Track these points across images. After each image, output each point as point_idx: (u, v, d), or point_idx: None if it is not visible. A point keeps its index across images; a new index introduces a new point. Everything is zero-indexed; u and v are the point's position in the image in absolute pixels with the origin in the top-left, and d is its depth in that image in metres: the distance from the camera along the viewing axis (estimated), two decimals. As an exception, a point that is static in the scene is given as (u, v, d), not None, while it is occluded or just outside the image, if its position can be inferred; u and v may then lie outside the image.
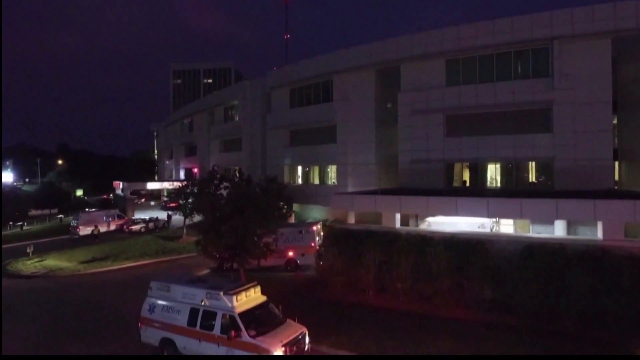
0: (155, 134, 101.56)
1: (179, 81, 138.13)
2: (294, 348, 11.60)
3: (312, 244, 23.10)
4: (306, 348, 12.24)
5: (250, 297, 12.70)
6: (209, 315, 12.16)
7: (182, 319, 12.63)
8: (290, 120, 37.78)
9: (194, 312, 12.46)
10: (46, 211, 60.21)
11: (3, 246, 32.05)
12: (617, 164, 27.65)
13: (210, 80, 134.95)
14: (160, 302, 13.26)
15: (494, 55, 26.92)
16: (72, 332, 15.74)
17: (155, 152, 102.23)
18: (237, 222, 17.22)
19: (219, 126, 52.37)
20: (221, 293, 12.18)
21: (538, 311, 14.76)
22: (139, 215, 47.23)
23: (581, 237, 16.92)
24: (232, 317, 11.74)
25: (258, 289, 13.26)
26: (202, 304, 12.41)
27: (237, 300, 12.09)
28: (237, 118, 48.76)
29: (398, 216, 22.74)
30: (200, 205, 19.70)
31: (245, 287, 12.82)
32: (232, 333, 11.44)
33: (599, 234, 16.80)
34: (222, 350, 11.71)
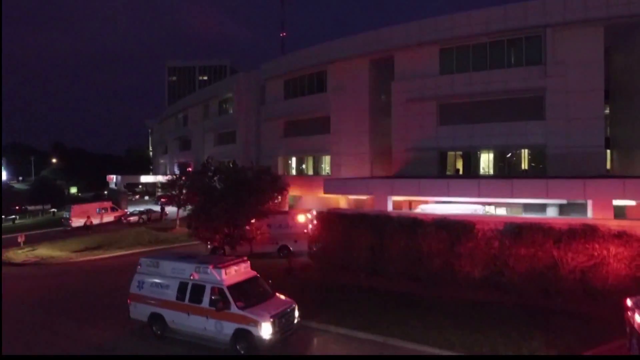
0: (150, 131, 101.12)
1: (174, 78, 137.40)
2: (283, 320, 11.57)
3: (305, 231, 23.05)
4: (295, 322, 12.23)
5: (240, 272, 12.68)
6: (198, 289, 12.12)
7: (171, 294, 12.58)
8: (285, 111, 37.72)
9: (182, 286, 12.41)
10: (39, 206, 60.12)
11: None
12: (609, 152, 27.83)
13: (205, 78, 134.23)
14: (149, 277, 13.20)
15: (487, 44, 26.99)
16: (62, 312, 15.70)
17: (150, 149, 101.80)
18: (229, 203, 17.16)
19: (213, 119, 52.21)
20: (210, 267, 12.14)
21: (528, 289, 14.86)
22: (133, 208, 47.04)
23: (571, 218, 16.98)
24: (220, 290, 11.71)
25: (247, 264, 13.24)
26: (191, 278, 12.35)
27: (225, 274, 12.07)
28: (231, 111, 48.64)
29: (390, 205, 22.75)
30: (193, 188, 19.58)
31: (235, 261, 12.80)
32: (221, 305, 11.41)
33: (589, 214, 16.88)
34: (211, 323, 11.68)
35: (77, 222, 38.68)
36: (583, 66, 24.44)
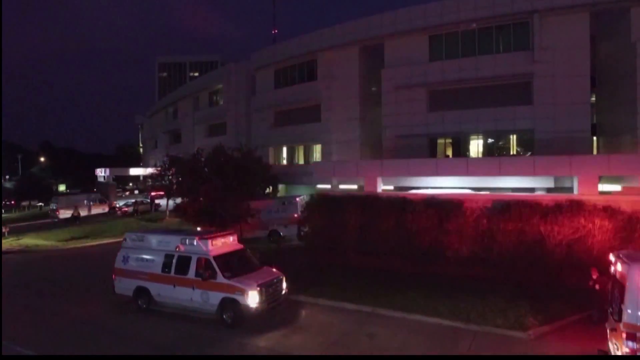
0: (140, 127, 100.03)
1: (164, 74, 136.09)
2: (270, 290, 11.50)
3: (296, 216, 22.97)
4: (283, 292, 12.16)
5: (227, 243, 12.60)
6: (184, 260, 11.99)
7: (156, 266, 12.43)
8: (275, 101, 37.53)
9: (168, 259, 12.28)
10: (26, 202, 59.73)
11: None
12: (595, 139, 28.15)
13: (196, 74, 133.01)
14: (134, 251, 13.04)
15: (476, 30, 27.12)
16: (49, 292, 15.52)
17: (141, 145, 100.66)
18: (216, 181, 17.01)
19: (203, 111, 51.78)
20: (196, 238, 12.03)
21: (516, 263, 14.95)
22: (124, 202, 46.55)
23: (558, 194, 17.13)
24: (207, 260, 11.59)
25: (235, 237, 13.15)
26: (177, 250, 12.21)
27: (212, 244, 11.97)
28: (221, 102, 48.28)
29: (380, 188, 22.67)
30: (182, 172, 19.33)
31: (221, 233, 12.69)
32: (207, 274, 11.30)
33: (575, 190, 17.05)
34: (197, 294, 11.56)
35: (65, 213, 38.12)
36: (570, 52, 24.67)
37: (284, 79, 37.28)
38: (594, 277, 11.18)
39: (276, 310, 11.85)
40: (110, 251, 22.12)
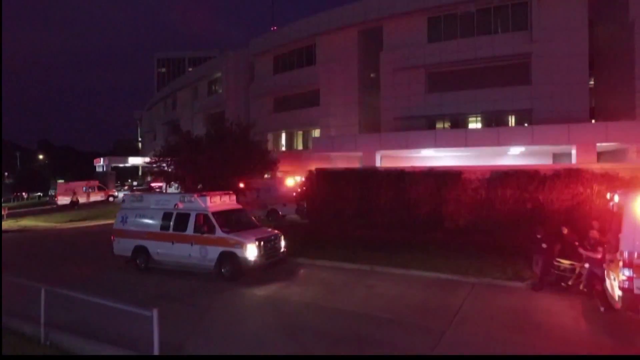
0: (138, 122, 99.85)
1: (163, 70, 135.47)
2: (269, 245, 11.53)
3: (294, 194, 22.97)
4: (282, 250, 12.18)
5: (225, 202, 12.61)
6: (183, 217, 12.01)
7: (155, 225, 12.45)
8: (274, 87, 37.53)
9: (167, 217, 12.29)
10: (25, 194, 60.18)
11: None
12: (593, 122, 28.21)
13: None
14: (133, 211, 13.06)
15: (475, 12, 27.14)
16: (50, 258, 15.55)
17: (139, 139, 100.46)
18: (215, 152, 17.01)
19: (202, 100, 51.74)
20: (195, 195, 12.04)
21: (513, 230, 14.95)
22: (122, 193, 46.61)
23: (555, 163, 17.19)
24: (205, 216, 11.62)
25: (233, 197, 13.17)
26: (176, 207, 12.22)
27: (210, 201, 11.99)
28: (220, 91, 48.23)
29: (379, 161, 22.64)
30: (178, 145, 19.28)
31: (219, 192, 12.71)
32: (205, 229, 11.31)
33: (573, 159, 17.10)
34: (195, 249, 11.57)
35: (63, 200, 38.08)
36: (568, 32, 24.71)
37: (282, 65, 37.27)
38: (539, 236, 10.47)
39: (275, 267, 11.88)
40: (107, 230, 22.18)
